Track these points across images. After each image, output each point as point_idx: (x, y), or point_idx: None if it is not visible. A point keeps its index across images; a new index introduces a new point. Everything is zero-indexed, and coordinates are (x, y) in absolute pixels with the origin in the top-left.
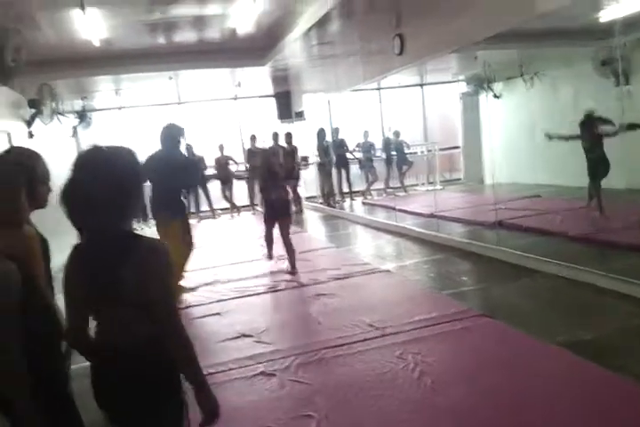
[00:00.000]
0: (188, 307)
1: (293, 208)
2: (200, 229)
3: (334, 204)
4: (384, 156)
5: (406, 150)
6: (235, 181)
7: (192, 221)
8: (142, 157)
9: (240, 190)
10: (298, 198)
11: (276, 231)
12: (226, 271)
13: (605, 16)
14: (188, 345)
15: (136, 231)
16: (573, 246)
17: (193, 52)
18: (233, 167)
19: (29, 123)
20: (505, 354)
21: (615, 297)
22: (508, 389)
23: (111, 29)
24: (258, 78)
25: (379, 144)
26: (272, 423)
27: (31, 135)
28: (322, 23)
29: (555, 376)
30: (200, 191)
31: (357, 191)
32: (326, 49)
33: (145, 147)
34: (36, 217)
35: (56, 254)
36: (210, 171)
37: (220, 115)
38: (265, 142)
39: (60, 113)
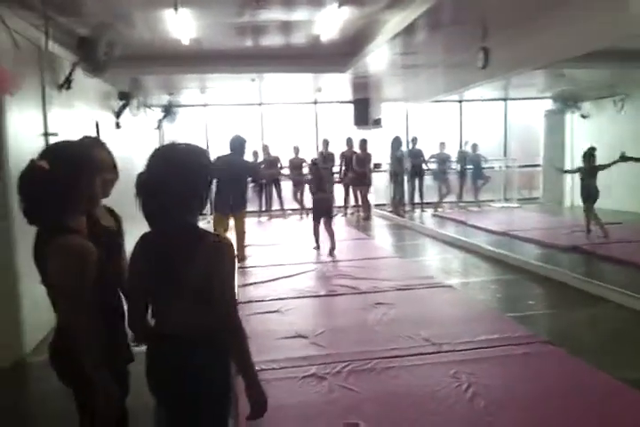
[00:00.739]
0: (249, 302)
1: (361, 213)
2: (268, 228)
3: (404, 213)
4: (459, 168)
5: (484, 164)
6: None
7: (262, 219)
8: (214, 155)
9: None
10: (367, 205)
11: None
12: (289, 270)
13: None
14: (244, 340)
15: (201, 226)
16: None
17: (277, 56)
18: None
19: (118, 114)
20: (564, 384)
21: None
22: (563, 421)
23: (201, 29)
24: (338, 84)
25: (455, 156)
26: None
27: (118, 126)
28: (406, 33)
29: (614, 415)
30: (273, 190)
31: (429, 203)
32: (408, 58)
33: (223, 144)
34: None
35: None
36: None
37: (299, 118)
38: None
39: (147, 106)
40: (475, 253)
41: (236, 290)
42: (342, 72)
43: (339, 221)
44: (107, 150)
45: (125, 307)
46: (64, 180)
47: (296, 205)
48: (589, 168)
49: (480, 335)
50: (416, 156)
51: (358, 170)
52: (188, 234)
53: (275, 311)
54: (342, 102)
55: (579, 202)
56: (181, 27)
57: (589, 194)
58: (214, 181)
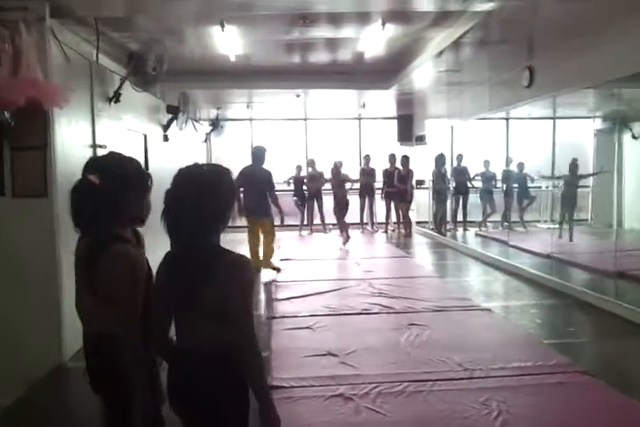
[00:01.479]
0: (282, 317)
1: (402, 230)
2: (308, 242)
3: (445, 231)
4: (504, 187)
5: (530, 184)
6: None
7: (303, 233)
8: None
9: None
10: (408, 222)
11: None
12: (324, 286)
13: None
14: (259, 361)
15: (221, 246)
16: None
17: (323, 72)
18: (348, 185)
19: (166, 127)
20: (600, 417)
21: None
22: None
23: (248, 46)
24: (382, 100)
25: (500, 175)
26: None
27: (166, 138)
28: (450, 50)
29: None
30: (315, 204)
31: (472, 221)
32: (453, 76)
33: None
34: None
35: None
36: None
37: (343, 133)
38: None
39: (195, 120)
40: (516, 276)
41: (253, 309)
42: (386, 89)
43: (379, 238)
44: None
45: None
46: (113, 193)
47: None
48: None
49: (514, 362)
50: (461, 173)
51: (400, 186)
52: (208, 252)
53: (306, 328)
54: (386, 118)
55: (631, 225)
56: (228, 43)
57: None
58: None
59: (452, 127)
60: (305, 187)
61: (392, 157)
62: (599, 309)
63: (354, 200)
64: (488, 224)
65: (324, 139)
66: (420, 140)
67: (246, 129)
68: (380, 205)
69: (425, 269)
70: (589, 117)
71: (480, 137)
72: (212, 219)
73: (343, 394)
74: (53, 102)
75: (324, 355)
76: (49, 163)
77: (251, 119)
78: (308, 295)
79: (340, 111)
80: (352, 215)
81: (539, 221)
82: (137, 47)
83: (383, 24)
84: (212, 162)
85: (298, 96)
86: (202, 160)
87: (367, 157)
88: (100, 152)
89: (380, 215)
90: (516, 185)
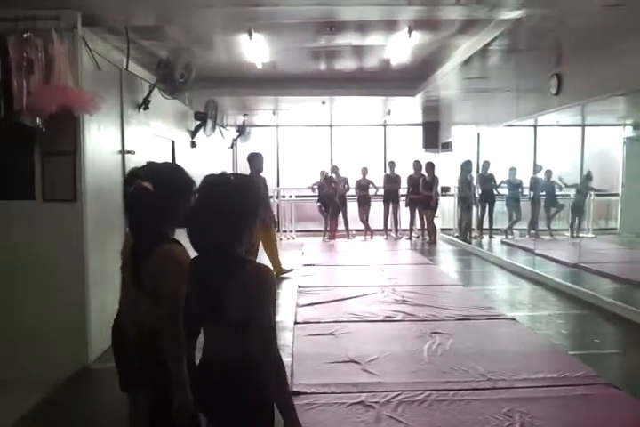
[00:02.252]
0: (305, 322)
1: (427, 237)
2: (332, 248)
3: (470, 239)
4: (531, 195)
5: (557, 192)
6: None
7: (327, 239)
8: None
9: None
10: (433, 229)
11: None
12: (348, 292)
13: None
14: (281, 373)
15: (244, 255)
16: None
17: (349, 79)
18: (372, 191)
19: (193, 133)
20: None
21: None
22: None
23: (274, 54)
24: (408, 107)
25: (527, 182)
26: None
27: (194, 144)
28: (477, 57)
29: None
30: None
31: (498, 229)
32: (480, 83)
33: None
34: None
35: None
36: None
37: (368, 139)
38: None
39: (222, 126)
40: (543, 285)
41: (274, 321)
42: (412, 95)
43: (403, 245)
44: None
45: None
46: (166, 199)
47: (361, 226)
48: None
49: (539, 373)
50: (487, 180)
51: (425, 193)
52: (229, 262)
53: (329, 334)
54: (411, 125)
55: None
56: (255, 51)
57: None
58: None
59: (478, 134)
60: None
61: (417, 164)
62: (627, 320)
63: (378, 206)
64: (514, 232)
65: (349, 145)
66: (446, 146)
67: (272, 135)
68: (404, 211)
69: (449, 276)
70: (619, 125)
71: (507, 144)
72: (235, 228)
73: (364, 402)
74: (84, 109)
75: (346, 362)
76: (78, 168)
77: (277, 126)
78: (330, 301)
79: (366, 118)
80: (376, 221)
81: (567, 230)
82: (166, 55)
83: (410, 32)
84: (239, 169)
85: (323, 103)
86: (228, 166)
87: (392, 164)
88: (129, 158)
89: (405, 222)
90: (543, 193)
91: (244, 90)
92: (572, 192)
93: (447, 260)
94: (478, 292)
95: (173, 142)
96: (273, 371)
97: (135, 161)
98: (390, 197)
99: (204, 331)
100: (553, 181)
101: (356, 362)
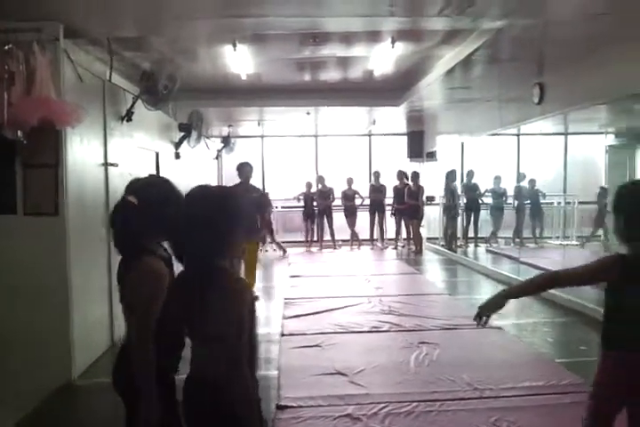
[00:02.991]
0: (291, 335)
1: (412, 247)
2: (318, 259)
3: (456, 248)
4: (515, 204)
5: (541, 200)
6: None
7: (313, 249)
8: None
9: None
10: (418, 238)
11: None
12: (334, 303)
13: None
14: (248, 390)
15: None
16: None
17: (333, 90)
18: (358, 201)
19: (178, 145)
20: None
21: None
22: None
23: (258, 65)
24: (392, 117)
25: (511, 191)
26: None
27: (178, 156)
28: (460, 67)
29: None
30: (325, 221)
31: (482, 238)
32: (463, 93)
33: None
34: None
35: None
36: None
37: (353, 149)
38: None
39: (206, 137)
40: None
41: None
42: (397, 105)
43: (389, 254)
44: None
45: None
46: (151, 213)
47: (347, 236)
48: None
49: (525, 381)
50: (471, 189)
51: (410, 202)
52: (210, 276)
53: (315, 346)
54: (396, 135)
55: None
56: (240, 62)
57: None
58: None
59: (462, 143)
60: (315, 203)
61: (401, 174)
62: None
63: (364, 216)
64: (499, 240)
65: (334, 155)
66: (431, 156)
67: (257, 146)
68: (389, 221)
69: (435, 286)
70: (601, 133)
71: (491, 153)
72: (219, 241)
73: (351, 415)
74: (66, 122)
75: (333, 374)
76: (60, 181)
77: (262, 136)
78: (317, 313)
79: (351, 128)
80: (362, 231)
81: (550, 238)
82: (149, 66)
83: (393, 42)
84: (224, 180)
85: (308, 113)
86: (213, 177)
87: (377, 174)
88: (112, 170)
89: (390, 232)
90: (527, 201)
91: (229, 101)
92: (557, 201)
93: (433, 269)
94: (464, 301)
95: (157, 154)
96: (240, 389)
97: (118, 173)
98: (375, 207)
99: (191, 347)
100: (537, 189)
101: (342, 374)
